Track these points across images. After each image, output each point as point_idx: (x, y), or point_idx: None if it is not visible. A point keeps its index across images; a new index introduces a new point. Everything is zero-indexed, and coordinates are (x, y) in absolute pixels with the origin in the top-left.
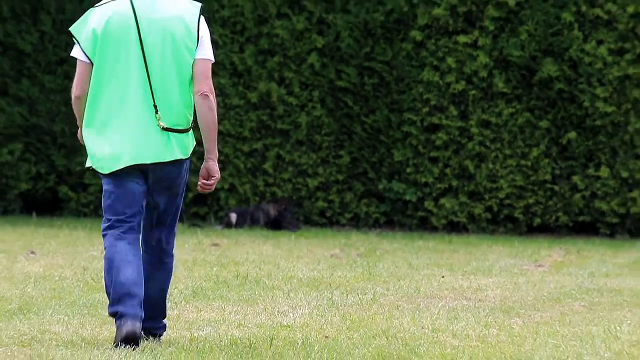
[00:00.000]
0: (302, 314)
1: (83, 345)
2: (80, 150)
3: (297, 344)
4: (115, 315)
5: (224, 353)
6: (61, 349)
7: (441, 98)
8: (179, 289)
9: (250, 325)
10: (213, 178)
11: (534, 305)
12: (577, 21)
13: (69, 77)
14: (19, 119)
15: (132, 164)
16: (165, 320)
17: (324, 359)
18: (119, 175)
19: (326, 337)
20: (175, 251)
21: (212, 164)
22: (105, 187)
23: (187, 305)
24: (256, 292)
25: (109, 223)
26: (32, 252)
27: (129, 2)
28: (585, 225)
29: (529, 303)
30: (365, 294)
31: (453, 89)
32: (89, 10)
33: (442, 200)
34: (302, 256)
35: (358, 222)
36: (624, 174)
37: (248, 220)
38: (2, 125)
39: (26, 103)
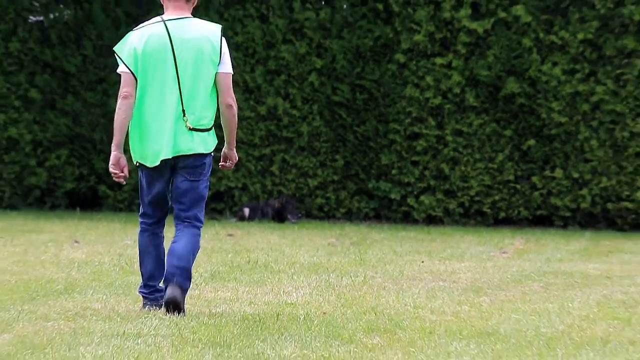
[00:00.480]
0: (303, 293)
1: (118, 319)
2: None
3: (299, 319)
4: (143, 290)
5: (237, 327)
6: (100, 323)
7: (421, 111)
8: (199, 272)
9: (259, 303)
10: (230, 161)
11: (499, 285)
12: (536, 46)
13: (107, 93)
14: (64, 129)
15: (164, 158)
16: (189, 282)
17: (322, 332)
18: (154, 171)
19: (324, 313)
20: (201, 225)
21: (231, 152)
22: (142, 179)
23: (206, 287)
24: (264, 275)
25: (142, 210)
26: (76, 242)
27: (164, 25)
28: (543, 218)
29: (495, 284)
30: (357, 277)
31: (431, 103)
32: (128, 33)
33: (422, 197)
34: (303, 244)
35: (351, 216)
36: (575, 175)
37: (258, 214)
38: (50, 135)
39: (71, 116)
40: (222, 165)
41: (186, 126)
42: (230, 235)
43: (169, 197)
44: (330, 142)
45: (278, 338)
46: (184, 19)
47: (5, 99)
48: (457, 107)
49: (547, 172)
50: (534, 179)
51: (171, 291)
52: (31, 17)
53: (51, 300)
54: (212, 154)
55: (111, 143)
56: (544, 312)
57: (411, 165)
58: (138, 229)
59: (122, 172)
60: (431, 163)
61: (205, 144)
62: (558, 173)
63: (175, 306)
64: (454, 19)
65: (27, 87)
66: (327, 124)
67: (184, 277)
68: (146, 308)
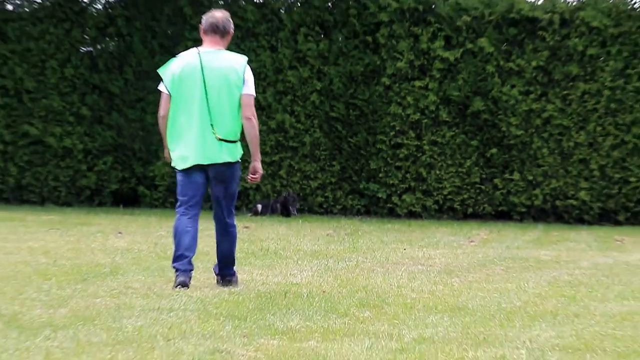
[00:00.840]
0: (306, 275)
1: (154, 297)
2: (152, 162)
3: (303, 296)
4: (174, 269)
5: (252, 302)
6: (139, 299)
7: (403, 125)
8: None
9: (270, 284)
10: (258, 173)
11: (467, 269)
12: (497, 71)
13: (145, 111)
14: (110, 140)
15: (194, 164)
16: (235, 269)
17: (322, 307)
18: (186, 171)
19: (323, 291)
20: (236, 222)
21: (256, 164)
22: (177, 178)
23: None
24: (274, 260)
25: (178, 202)
26: (120, 233)
27: (198, 56)
28: (503, 213)
29: (464, 267)
30: (350, 261)
31: (411, 119)
32: (171, 59)
33: (404, 196)
34: (306, 235)
35: (345, 212)
36: (529, 178)
37: (269, 210)
38: (98, 144)
39: (115, 129)
40: (250, 178)
41: (215, 137)
42: (246, 227)
43: (205, 196)
44: (328, 150)
45: (285, 312)
46: (217, 51)
47: (61, 115)
48: (433, 122)
49: (507, 175)
50: (496, 180)
51: (222, 282)
52: (82, 48)
53: (99, 280)
54: (239, 163)
55: (147, 152)
56: (504, 291)
57: (395, 170)
58: (175, 217)
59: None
60: (411, 168)
61: (232, 153)
62: (515, 176)
63: (232, 282)
64: (430, 49)
65: (79, 106)
66: (325, 136)
67: (232, 267)
68: (178, 280)
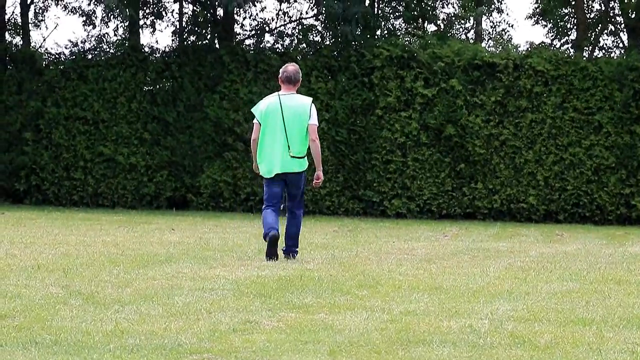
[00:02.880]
0: (317, 262)
1: (199, 279)
2: (198, 174)
3: (315, 279)
4: (265, 237)
5: (275, 284)
6: (187, 281)
7: (392, 146)
8: (251, 249)
9: (289, 269)
10: (320, 179)
11: (443, 257)
12: (465, 104)
13: (193, 135)
14: (165, 158)
15: (277, 173)
16: (297, 249)
17: (330, 287)
18: (270, 179)
19: (331, 275)
20: (301, 212)
21: (319, 173)
22: (264, 184)
23: (255, 259)
24: None
25: (265, 203)
26: (172, 229)
27: (278, 98)
28: (470, 214)
29: (440, 256)
30: (352, 252)
31: (398, 141)
32: (260, 100)
33: (393, 201)
34: (317, 231)
35: (348, 213)
36: (490, 186)
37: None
38: (156, 162)
39: (169, 149)
40: (314, 182)
41: (290, 155)
42: None
43: (283, 196)
44: (334, 165)
45: (301, 291)
46: (291, 94)
47: (128, 139)
48: (415, 144)
49: (472, 185)
50: (464, 189)
51: (271, 249)
52: (145, 87)
53: (157, 266)
54: (305, 171)
55: (195, 167)
56: (471, 274)
57: (386, 180)
58: (263, 211)
59: (259, 172)
60: (399, 179)
61: (301, 165)
62: (479, 185)
63: (275, 256)
64: (413, 87)
65: (142, 132)
66: (332, 154)
67: (295, 247)
68: (269, 242)
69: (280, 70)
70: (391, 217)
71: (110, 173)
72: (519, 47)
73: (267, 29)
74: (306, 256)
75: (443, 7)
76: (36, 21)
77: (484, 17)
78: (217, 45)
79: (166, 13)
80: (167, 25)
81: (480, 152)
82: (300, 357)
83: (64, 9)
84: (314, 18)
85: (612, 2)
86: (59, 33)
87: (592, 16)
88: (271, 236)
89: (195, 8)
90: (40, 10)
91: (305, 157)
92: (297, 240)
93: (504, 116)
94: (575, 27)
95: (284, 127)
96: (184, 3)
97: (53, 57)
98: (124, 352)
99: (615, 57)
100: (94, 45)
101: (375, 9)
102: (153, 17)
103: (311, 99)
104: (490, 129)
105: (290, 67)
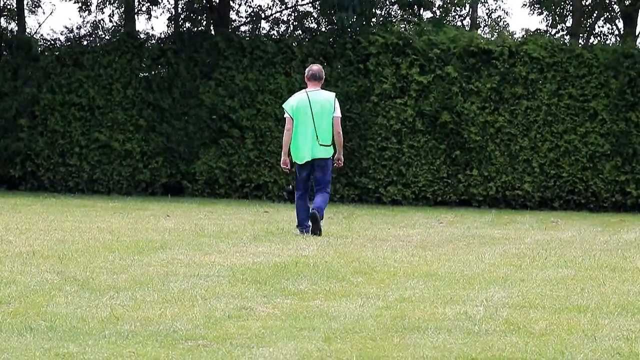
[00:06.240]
0: (313, 249)
1: (194, 266)
2: (193, 161)
3: (310, 265)
4: (300, 225)
5: (270, 270)
6: (182, 268)
7: (387, 133)
8: (246, 235)
9: (284, 256)
10: (341, 160)
11: (438, 244)
12: (460, 91)
13: (188, 122)
14: (160, 144)
15: (308, 160)
16: (323, 213)
17: (325, 274)
18: (301, 166)
19: (326, 262)
20: (329, 191)
21: (340, 156)
22: (296, 170)
23: (250, 245)
24: (288, 237)
25: (296, 193)
26: (168, 216)
27: (306, 94)
28: (465, 201)
29: (435, 243)
30: (347, 238)
31: (394, 128)
32: (291, 97)
33: (388, 188)
34: None
35: (343, 200)
36: (485, 173)
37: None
38: (152, 148)
39: (165, 136)
40: (336, 163)
41: (318, 144)
42: (266, 212)
43: (311, 182)
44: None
45: (296, 278)
46: (317, 90)
47: (124, 125)
48: (410, 130)
49: (468, 172)
50: (459, 176)
51: (315, 225)
52: (140, 74)
53: (152, 253)
54: (332, 158)
55: (190, 154)
56: (466, 261)
57: (381, 167)
58: (296, 196)
59: (287, 166)
60: (394, 166)
61: (327, 152)
62: (474, 172)
63: (319, 231)
64: (408, 74)
65: (137, 118)
66: None
67: (321, 215)
68: (312, 231)
69: (306, 70)
70: (386, 204)
71: (106, 159)
72: (515, 34)
73: (262, 15)
74: (301, 243)
75: None
76: (32, 7)
77: (480, 4)
78: (212, 32)
79: None
80: (163, 12)
81: (476, 139)
82: (295, 344)
83: None
84: (310, 5)
85: None
86: (54, 19)
87: (587, 3)
88: (311, 214)
89: None
90: None
91: (331, 146)
92: (323, 212)
93: (500, 103)
94: (571, 14)
95: (313, 120)
96: None
97: (48, 43)
98: (119, 338)
99: (610, 44)
100: (89, 31)
101: None
102: (148, 4)
103: (334, 93)
104: (485, 116)
105: (315, 67)
